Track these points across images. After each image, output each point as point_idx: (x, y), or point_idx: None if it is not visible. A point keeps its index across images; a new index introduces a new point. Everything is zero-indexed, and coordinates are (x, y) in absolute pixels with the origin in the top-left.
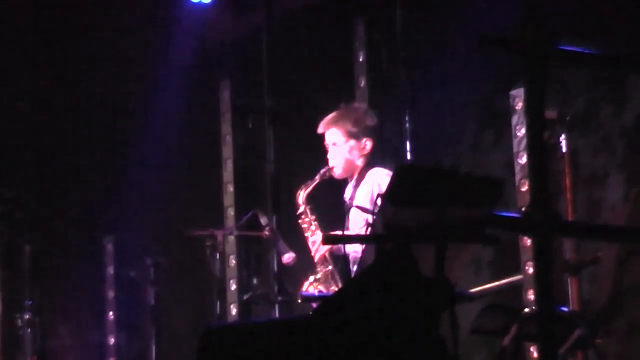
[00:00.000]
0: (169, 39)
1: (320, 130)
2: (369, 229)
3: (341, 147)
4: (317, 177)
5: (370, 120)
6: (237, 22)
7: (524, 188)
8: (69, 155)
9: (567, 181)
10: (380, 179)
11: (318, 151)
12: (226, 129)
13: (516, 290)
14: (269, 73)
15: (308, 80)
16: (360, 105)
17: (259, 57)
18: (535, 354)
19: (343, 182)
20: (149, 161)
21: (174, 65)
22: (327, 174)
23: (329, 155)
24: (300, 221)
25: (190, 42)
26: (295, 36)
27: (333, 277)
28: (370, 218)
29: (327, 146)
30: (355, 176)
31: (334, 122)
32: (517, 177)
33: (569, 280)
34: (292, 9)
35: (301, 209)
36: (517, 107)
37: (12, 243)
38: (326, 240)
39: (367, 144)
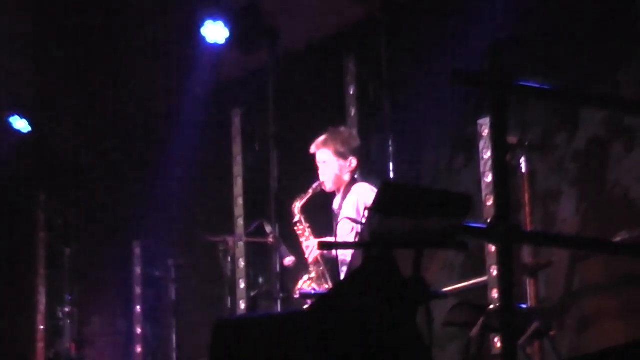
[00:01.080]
0: (189, 74)
1: (312, 150)
2: (358, 236)
3: (331, 165)
4: (310, 191)
5: (355, 142)
6: (246, 60)
7: (489, 203)
8: (103, 172)
9: (526, 197)
10: (364, 192)
11: (314, 171)
12: (237, 151)
13: (482, 289)
14: (274, 104)
15: (306, 109)
16: (346, 129)
17: (265, 90)
18: (498, 344)
19: (331, 195)
20: (171, 178)
21: (193, 96)
22: (318, 188)
23: (320, 172)
24: (295, 229)
25: (207, 76)
26: (296, 72)
27: (324, 277)
28: (358, 227)
29: (317, 164)
30: (342, 189)
31: (324, 144)
32: (484, 193)
33: (527, 281)
34: (293, 49)
35: (296, 218)
36: (483, 134)
37: (54, 247)
38: (321, 246)
39: (353, 161)
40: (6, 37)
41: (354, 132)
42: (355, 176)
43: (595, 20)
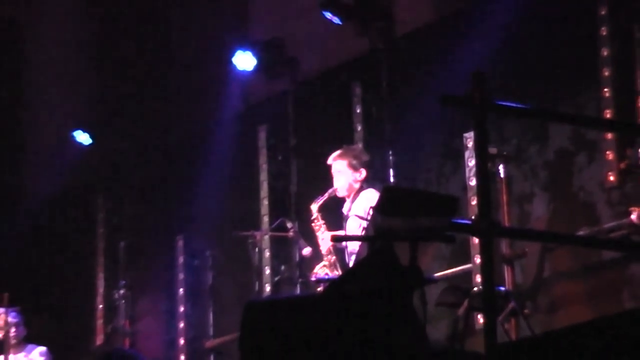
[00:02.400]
0: (223, 96)
1: (329, 161)
2: (364, 232)
3: (345, 174)
4: (326, 195)
5: (365, 156)
6: (270, 84)
7: (474, 203)
8: (152, 178)
9: (504, 199)
10: (371, 196)
11: (327, 177)
12: (262, 160)
13: (467, 275)
14: (293, 121)
15: (320, 126)
16: (357, 145)
17: (286, 110)
18: (481, 321)
19: (342, 199)
20: (209, 182)
21: (227, 115)
22: (332, 193)
23: (334, 180)
24: (312, 225)
25: (237, 98)
26: (312, 95)
27: (335, 265)
28: (364, 224)
29: (333, 173)
30: (352, 195)
31: (340, 157)
32: (469, 195)
33: (505, 268)
34: (310, 76)
35: (314, 216)
36: (468, 146)
37: (111, 240)
38: (334, 239)
39: (363, 172)
40: (71, 63)
41: (363, 147)
42: (364, 185)
43: (563, 49)
